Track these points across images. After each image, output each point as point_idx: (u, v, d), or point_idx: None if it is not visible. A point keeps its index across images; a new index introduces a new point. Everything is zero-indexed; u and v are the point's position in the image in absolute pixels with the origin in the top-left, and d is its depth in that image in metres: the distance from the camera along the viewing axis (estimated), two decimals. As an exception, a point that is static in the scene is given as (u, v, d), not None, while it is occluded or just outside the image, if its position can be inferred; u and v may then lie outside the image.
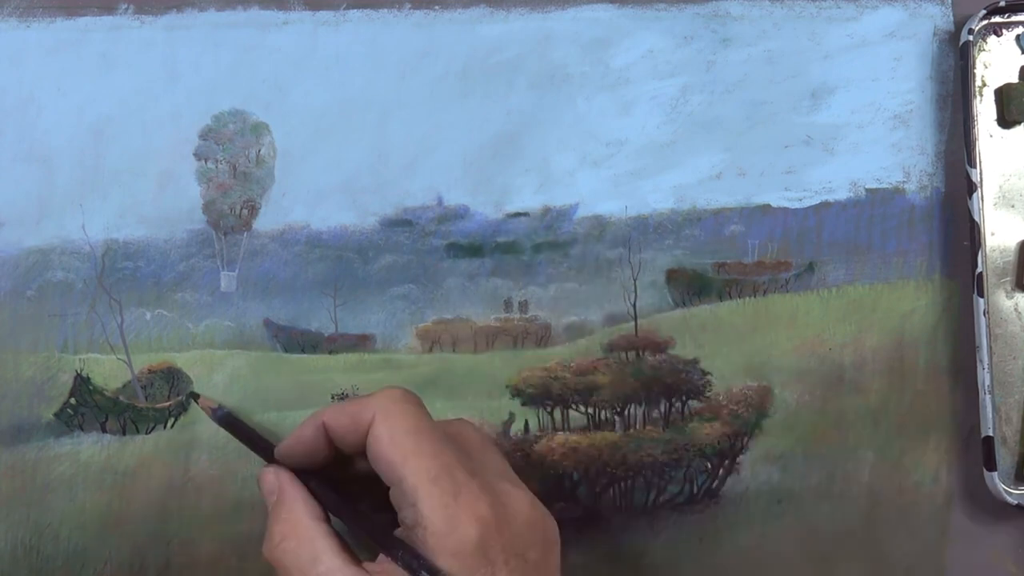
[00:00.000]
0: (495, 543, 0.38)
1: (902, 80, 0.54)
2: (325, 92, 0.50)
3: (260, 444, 0.45)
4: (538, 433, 0.51)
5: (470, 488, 0.38)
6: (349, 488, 0.43)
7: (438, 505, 0.37)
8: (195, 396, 0.48)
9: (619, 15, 0.52)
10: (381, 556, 0.39)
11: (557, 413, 0.52)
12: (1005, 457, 0.53)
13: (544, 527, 0.40)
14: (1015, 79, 0.54)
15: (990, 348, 0.52)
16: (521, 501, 0.40)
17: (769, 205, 0.53)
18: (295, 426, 0.49)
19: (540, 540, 0.40)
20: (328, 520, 0.41)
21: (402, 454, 0.38)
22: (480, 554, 0.37)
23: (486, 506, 0.38)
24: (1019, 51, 0.54)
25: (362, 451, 0.40)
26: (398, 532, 0.39)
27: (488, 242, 0.51)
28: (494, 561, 0.37)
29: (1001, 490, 0.52)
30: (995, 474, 0.52)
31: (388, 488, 0.39)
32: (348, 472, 0.43)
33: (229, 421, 0.46)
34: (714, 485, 0.53)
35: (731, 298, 0.53)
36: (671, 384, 0.52)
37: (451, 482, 0.38)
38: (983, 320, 0.52)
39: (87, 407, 0.48)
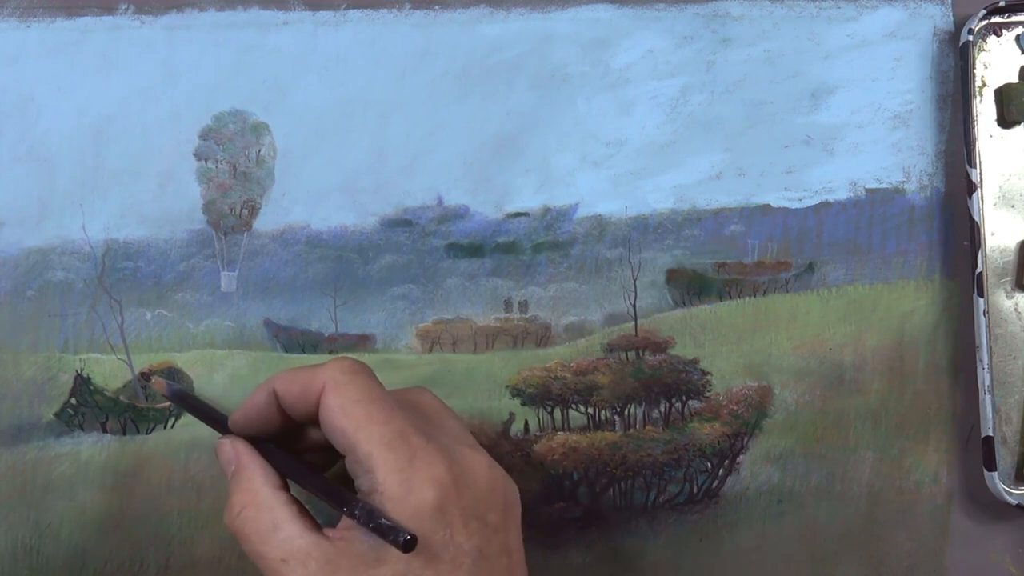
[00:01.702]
0: (453, 506, 0.38)
1: (902, 80, 0.54)
2: (325, 92, 0.50)
3: (214, 417, 0.45)
4: (538, 433, 0.51)
5: (426, 451, 0.38)
6: (306, 459, 0.43)
7: (393, 470, 0.37)
8: (147, 377, 0.48)
9: (619, 15, 0.52)
10: (341, 521, 0.39)
11: (557, 413, 0.52)
12: (1005, 457, 0.53)
13: (504, 489, 0.40)
14: (1015, 79, 0.54)
15: (990, 348, 0.52)
16: (480, 464, 0.40)
17: (769, 205, 0.53)
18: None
19: (500, 503, 0.40)
20: (287, 488, 0.41)
21: (354, 422, 0.38)
22: (438, 517, 0.37)
23: (443, 470, 0.38)
24: (1019, 51, 0.54)
25: (314, 420, 0.40)
26: None
27: (488, 242, 0.51)
28: (452, 524, 0.38)
29: (1001, 490, 0.52)
30: (995, 474, 0.52)
31: (343, 458, 0.39)
32: (303, 442, 0.43)
33: (181, 396, 0.46)
34: (714, 485, 0.53)
35: (731, 298, 0.53)
36: (671, 384, 0.52)
37: (405, 447, 0.38)
38: (983, 320, 0.52)
39: (87, 407, 0.48)
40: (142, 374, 0.48)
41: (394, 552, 0.37)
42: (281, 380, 0.41)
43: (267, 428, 0.42)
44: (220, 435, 0.43)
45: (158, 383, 0.46)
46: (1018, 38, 0.54)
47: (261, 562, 0.39)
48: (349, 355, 0.50)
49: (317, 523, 0.39)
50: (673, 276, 0.52)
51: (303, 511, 0.40)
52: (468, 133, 0.51)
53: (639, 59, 0.52)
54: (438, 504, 0.37)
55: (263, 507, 0.39)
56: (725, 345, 0.53)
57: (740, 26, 0.53)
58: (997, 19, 0.54)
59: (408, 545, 0.36)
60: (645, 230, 0.52)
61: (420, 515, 0.37)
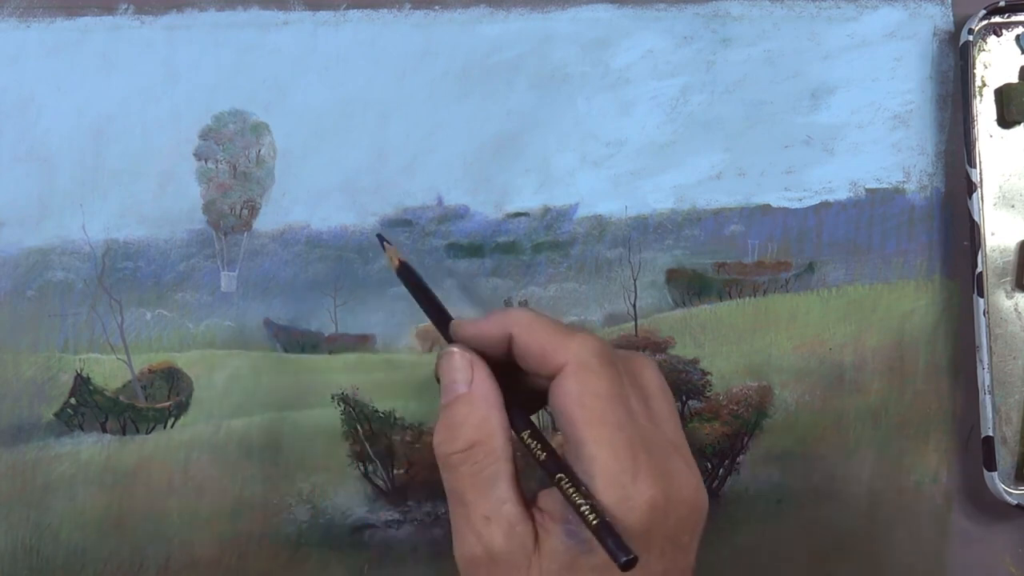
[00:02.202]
0: (659, 531, 0.37)
1: (902, 80, 0.54)
2: (325, 92, 0.50)
3: (437, 311, 0.43)
4: (538, 433, 0.51)
5: (648, 469, 0.36)
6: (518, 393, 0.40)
7: (615, 484, 0.36)
8: (383, 239, 0.46)
9: (619, 15, 0.52)
10: (544, 499, 0.37)
11: (557, 413, 0.51)
12: (1005, 457, 0.53)
13: (701, 511, 0.39)
14: (1015, 79, 0.54)
15: (990, 348, 0.52)
16: (689, 486, 0.38)
17: (769, 205, 0.53)
18: (295, 427, 0.49)
19: (695, 525, 0.39)
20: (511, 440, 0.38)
21: (587, 417, 0.37)
22: (643, 541, 0.36)
23: (659, 492, 0.36)
24: (1019, 51, 0.54)
25: (537, 374, 0.38)
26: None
27: (488, 242, 0.51)
28: (652, 548, 0.36)
29: (1001, 490, 0.52)
30: (995, 474, 0.52)
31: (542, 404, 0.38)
32: (515, 382, 0.40)
33: (408, 274, 0.44)
34: (714, 485, 0.53)
35: (731, 298, 0.53)
36: (671, 384, 0.52)
37: (632, 460, 0.36)
38: (983, 320, 0.52)
39: (87, 407, 0.48)
40: (378, 236, 0.46)
41: (589, 563, 0.36)
42: (523, 330, 0.39)
43: (485, 353, 0.40)
44: (444, 339, 0.41)
45: (391, 252, 0.44)
46: (1018, 38, 0.54)
47: (461, 508, 0.37)
48: (351, 355, 0.50)
49: (524, 493, 0.38)
50: (673, 276, 0.52)
51: (517, 474, 0.38)
52: (468, 133, 0.51)
53: (639, 59, 0.52)
54: (646, 529, 0.36)
55: (493, 454, 0.37)
56: (725, 345, 0.53)
57: (740, 26, 0.53)
58: (997, 19, 0.54)
59: (628, 564, 0.34)
60: (645, 230, 0.52)
61: (629, 535, 0.35)
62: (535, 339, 0.38)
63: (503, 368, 0.40)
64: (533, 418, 0.40)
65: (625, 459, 0.36)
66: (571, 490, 0.36)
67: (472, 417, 0.38)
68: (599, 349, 0.38)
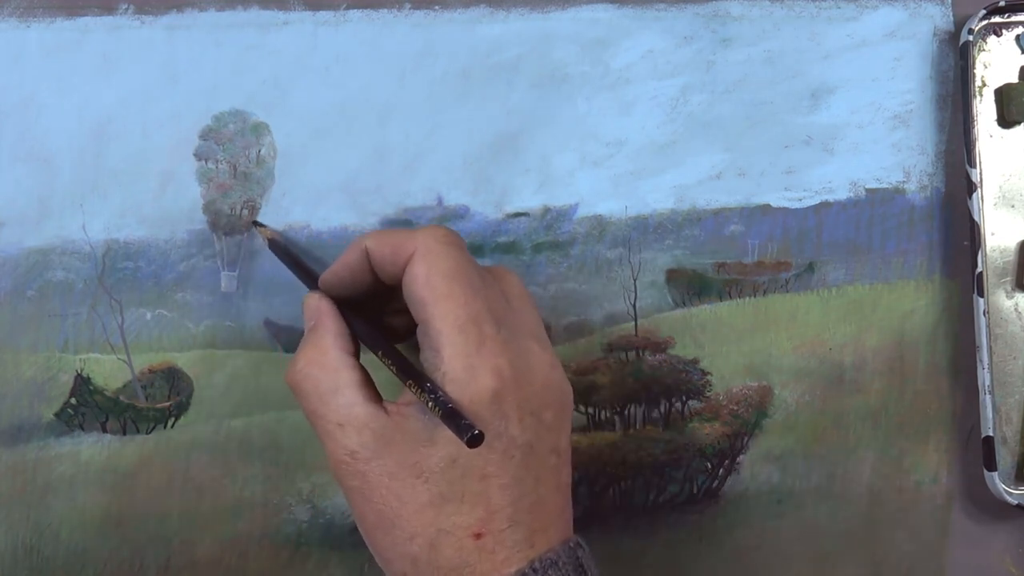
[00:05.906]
0: (511, 398, 0.38)
1: (902, 80, 0.54)
2: (325, 92, 0.50)
3: (308, 272, 0.45)
4: (538, 433, 0.51)
5: (494, 341, 0.38)
6: (391, 321, 0.43)
7: (460, 354, 0.37)
8: (257, 224, 0.48)
9: (619, 15, 0.52)
10: (402, 397, 0.39)
11: (557, 413, 0.51)
12: (1005, 457, 0.53)
13: (561, 391, 0.41)
14: (1015, 79, 0.54)
15: (990, 348, 0.52)
16: (542, 362, 0.40)
17: (769, 205, 0.53)
18: (295, 427, 0.49)
19: (556, 402, 0.40)
20: (356, 354, 0.41)
21: (434, 296, 0.38)
22: (495, 407, 0.37)
23: (506, 362, 0.38)
24: (1019, 51, 0.54)
25: (401, 283, 0.40)
26: None
27: (488, 242, 0.51)
28: (508, 416, 0.38)
29: (1001, 490, 0.52)
30: (995, 474, 0.52)
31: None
32: (391, 304, 0.43)
33: (281, 247, 0.47)
34: (714, 485, 0.53)
35: (731, 298, 0.53)
36: (671, 384, 0.52)
37: (477, 332, 0.38)
38: (983, 320, 0.52)
39: (87, 407, 0.48)
40: (253, 222, 0.49)
41: (447, 434, 0.37)
42: (374, 238, 0.41)
43: (357, 287, 0.42)
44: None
45: (264, 231, 0.47)
46: (1018, 38, 0.54)
47: (317, 422, 0.39)
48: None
49: (378, 394, 0.40)
50: (673, 276, 0.52)
51: (367, 380, 0.40)
52: (468, 133, 0.51)
53: (639, 59, 0.52)
54: (496, 394, 0.37)
55: (328, 368, 0.40)
56: (725, 345, 0.53)
57: (740, 26, 0.53)
58: (997, 19, 0.54)
59: (474, 440, 0.35)
60: (645, 230, 0.52)
61: (478, 403, 0.37)
62: (385, 241, 0.40)
63: (383, 299, 0.43)
64: None
65: (470, 331, 0.38)
66: (418, 390, 0.37)
67: (309, 342, 0.41)
68: (446, 235, 0.40)
